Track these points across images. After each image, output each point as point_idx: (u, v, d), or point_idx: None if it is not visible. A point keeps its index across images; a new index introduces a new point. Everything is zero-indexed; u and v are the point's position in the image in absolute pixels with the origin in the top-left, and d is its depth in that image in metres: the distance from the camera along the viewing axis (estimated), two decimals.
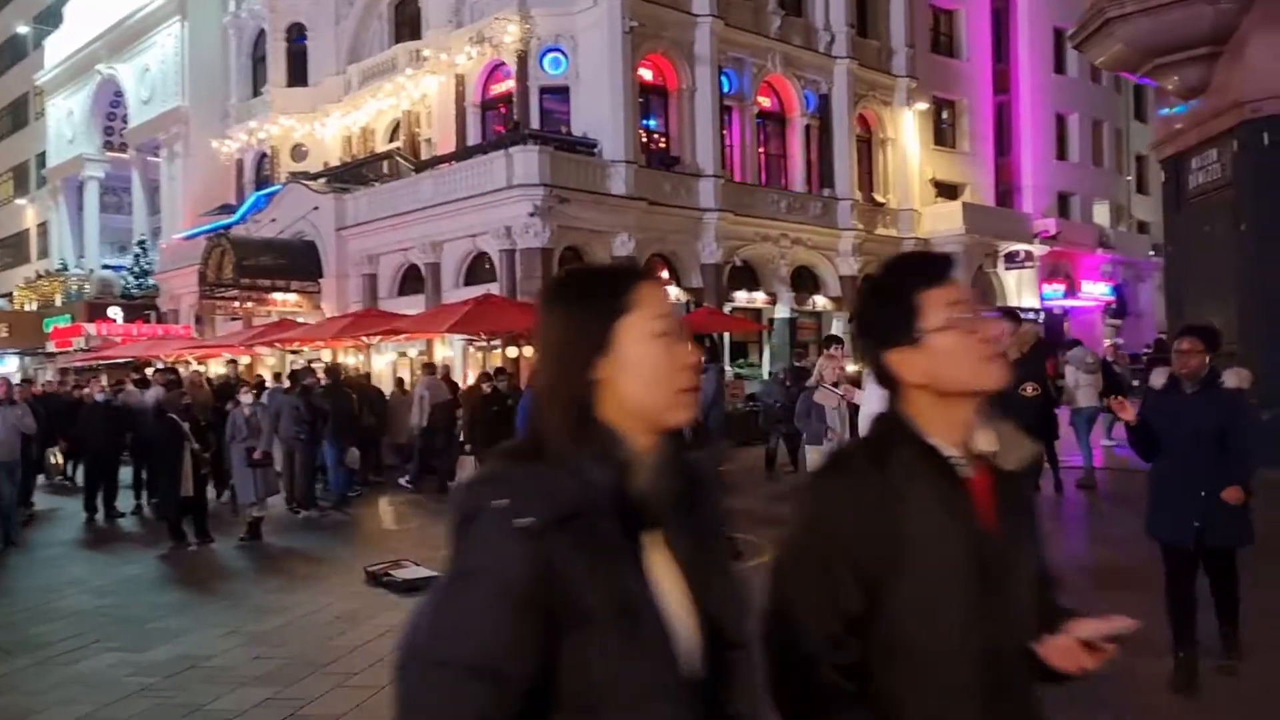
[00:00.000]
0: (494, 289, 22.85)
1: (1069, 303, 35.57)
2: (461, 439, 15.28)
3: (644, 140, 26.07)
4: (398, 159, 28.51)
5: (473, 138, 27.59)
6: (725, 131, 27.56)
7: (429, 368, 18.47)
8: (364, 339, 22.01)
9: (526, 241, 23.14)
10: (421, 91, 29.40)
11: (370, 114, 31.49)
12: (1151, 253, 39.77)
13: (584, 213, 23.89)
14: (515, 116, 25.83)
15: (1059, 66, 37.60)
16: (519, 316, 19.40)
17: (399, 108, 30.46)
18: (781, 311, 28.54)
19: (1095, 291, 36.33)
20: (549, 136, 24.42)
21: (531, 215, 22.80)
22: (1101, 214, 39.31)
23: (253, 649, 7.13)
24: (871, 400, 6.09)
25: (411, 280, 26.94)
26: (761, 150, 29.26)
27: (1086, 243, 36.43)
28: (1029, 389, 6.46)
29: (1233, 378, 6.22)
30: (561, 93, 26.29)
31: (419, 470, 16.19)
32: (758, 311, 28.05)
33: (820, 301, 29.82)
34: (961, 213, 31.92)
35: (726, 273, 27.18)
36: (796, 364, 17.63)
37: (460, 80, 27.86)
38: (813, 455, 9.06)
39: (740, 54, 27.90)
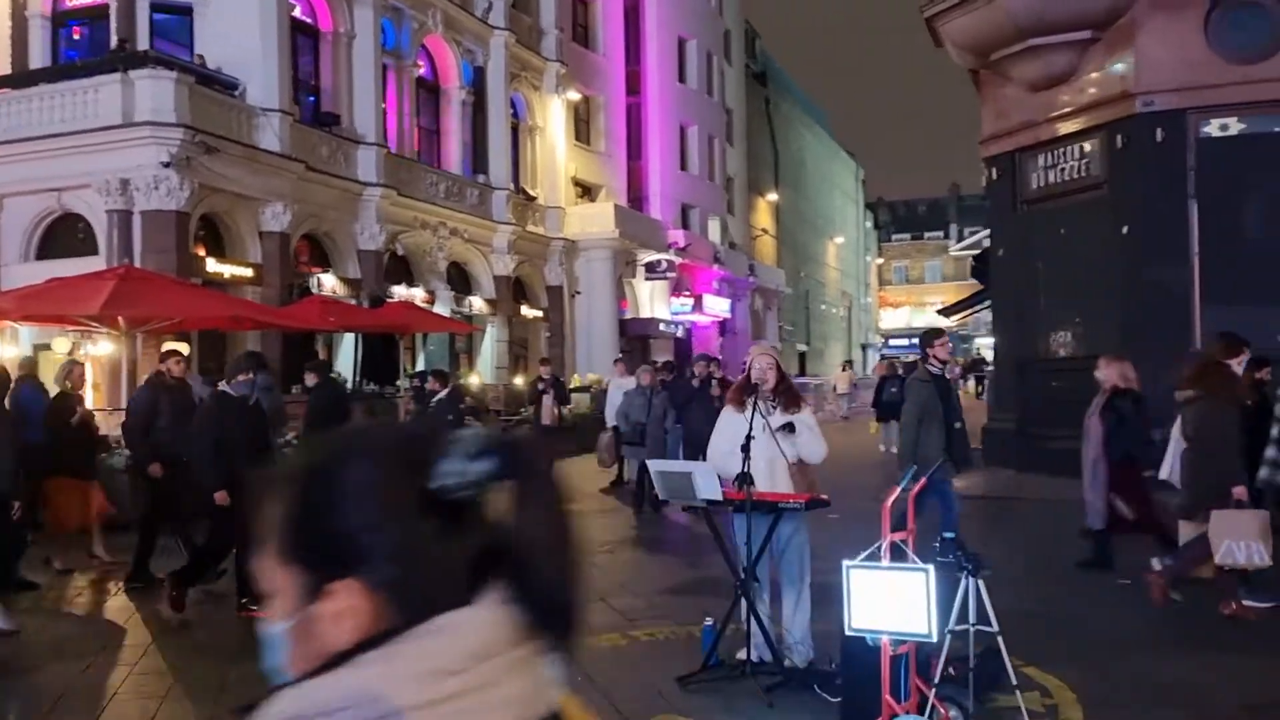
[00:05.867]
0: (95, 265, 16.24)
1: (695, 318, 34.70)
2: None
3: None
4: None
5: (38, 60, 20.15)
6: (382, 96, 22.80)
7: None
8: None
9: (154, 201, 16.86)
10: None
11: None
12: (748, 272, 40.57)
13: (230, 170, 18.06)
14: (120, 34, 19.04)
15: (681, 76, 36.73)
16: (184, 301, 13.63)
17: None
18: (441, 312, 24.18)
19: (717, 308, 35.88)
20: (181, 64, 18.18)
21: (166, 165, 16.61)
22: (714, 230, 39.07)
23: None
24: None
25: None
26: (417, 123, 24.74)
27: (705, 258, 35.87)
28: None
29: None
30: (182, 14, 19.96)
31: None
32: None
33: (476, 303, 25.90)
34: (614, 215, 29.60)
35: (385, 262, 22.45)
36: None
37: None
38: None
39: (400, 3, 23.27)
